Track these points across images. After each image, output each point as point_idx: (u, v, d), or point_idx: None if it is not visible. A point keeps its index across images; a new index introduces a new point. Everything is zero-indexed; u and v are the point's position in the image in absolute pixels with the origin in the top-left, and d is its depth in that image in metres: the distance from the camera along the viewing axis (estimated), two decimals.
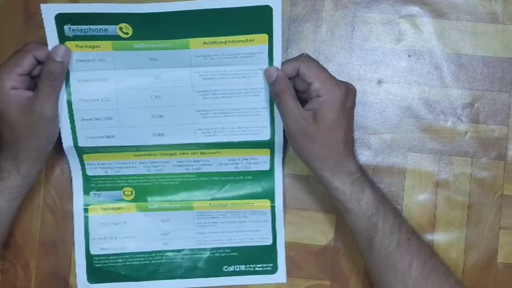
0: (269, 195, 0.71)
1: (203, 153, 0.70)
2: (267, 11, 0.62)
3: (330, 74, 0.64)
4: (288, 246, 0.73)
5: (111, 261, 0.72)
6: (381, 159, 0.73)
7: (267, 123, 0.68)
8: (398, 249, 0.63)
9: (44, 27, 0.62)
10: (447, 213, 0.72)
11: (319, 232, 0.73)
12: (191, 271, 0.72)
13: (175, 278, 0.73)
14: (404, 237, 0.63)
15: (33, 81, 0.65)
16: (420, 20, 0.73)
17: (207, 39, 0.64)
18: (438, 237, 0.72)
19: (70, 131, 0.67)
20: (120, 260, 0.72)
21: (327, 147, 0.64)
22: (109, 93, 0.66)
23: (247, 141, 0.68)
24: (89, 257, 0.72)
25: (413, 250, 0.63)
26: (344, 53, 0.73)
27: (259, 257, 0.72)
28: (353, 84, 0.65)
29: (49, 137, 0.67)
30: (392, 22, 0.73)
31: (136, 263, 0.72)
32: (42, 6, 0.61)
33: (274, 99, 0.65)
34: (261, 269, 0.72)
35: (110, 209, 0.72)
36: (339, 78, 0.70)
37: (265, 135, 0.69)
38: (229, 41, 0.64)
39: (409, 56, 0.73)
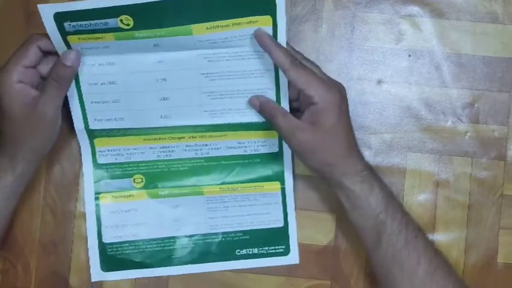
0: (279, 177, 0.72)
1: (211, 136, 0.70)
2: None
3: (319, 77, 0.63)
4: None
5: (124, 248, 0.72)
6: (381, 159, 0.73)
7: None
8: (405, 247, 0.63)
9: (44, 26, 0.62)
10: (447, 213, 0.72)
11: (319, 232, 0.73)
12: (204, 256, 0.73)
13: (188, 263, 0.73)
14: (412, 235, 0.63)
15: (41, 81, 0.65)
16: (420, 20, 0.73)
17: (210, 24, 0.63)
18: (439, 237, 0.72)
19: (81, 114, 0.68)
20: (133, 247, 0.72)
21: (333, 153, 0.64)
22: (115, 77, 0.66)
23: (254, 122, 0.69)
24: (102, 246, 0.72)
25: (420, 248, 0.63)
26: (344, 52, 0.73)
27: (271, 239, 0.73)
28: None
29: (47, 139, 0.66)
30: (392, 22, 0.73)
31: (148, 249, 0.73)
32: (40, 6, 0.61)
33: (269, 122, 0.66)
34: (274, 251, 0.73)
35: (121, 196, 0.72)
36: (339, 78, 0.70)
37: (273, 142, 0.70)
38: (232, 24, 0.63)
39: (409, 56, 0.73)
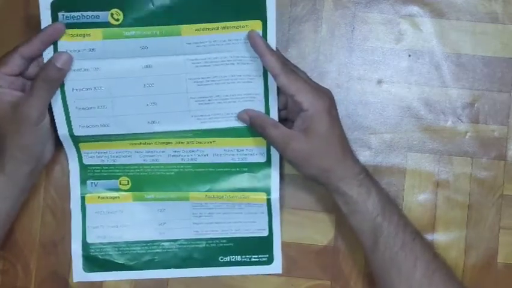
0: (265, 188, 0.71)
1: (199, 142, 0.69)
2: None
3: (308, 82, 0.64)
4: (288, 246, 0.73)
5: (107, 250, 0.72)
6: (381, 159, 0.73)
7: (262, 109, 0.67)
8: (402, 250, 0.63)
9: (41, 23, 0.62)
10: (447, 213, 0.72)
11: (319, 232, 0.73)
12: (187, 261, 0.73)
13: (170, 267, 0.73)
14: (409, 238, 0.63)
15: (28, 84, 0.65)
16: (420, 20, 0.73)
17: (199, 25, 0.63)
18: (439, 237, 0.72)
19: (65, 120, 0.67)
20: (116, 249, 0.72)
21: (329, 159, 0.64)
22: (101, 83, 0.66)
23: (242, 127, 0.68)
24: (86, 246, 0.72)
25: (417, 250, 0.63)
26: (344, 53, 0.73)
27: (255, 248, 0.72)
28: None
29: (35, 139, 0.65)
30: (392, 22, 0.73)
31: (132, 252, 0.72)
32: None
33: (261, 135, 0.66)
34: (257, 259, 0.72)
35: (107, 198, 0.72)
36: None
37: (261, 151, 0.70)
38: (221, 27, 0.63)
39: (409, 55, 0.73)
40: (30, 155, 0.66)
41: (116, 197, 0.72)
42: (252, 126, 0.66)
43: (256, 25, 0.63)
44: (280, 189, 0.72)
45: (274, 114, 0.67)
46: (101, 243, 0.72)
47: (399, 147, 0.73)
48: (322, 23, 0.73)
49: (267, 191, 0.71)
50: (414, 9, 0.73)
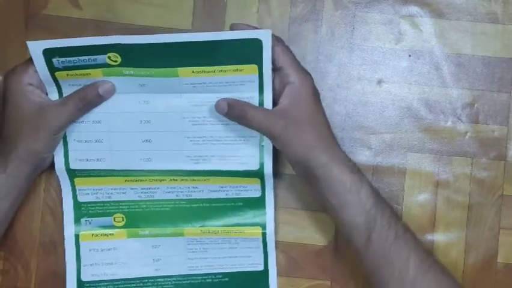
0: (260, 222, 0.71)
1: (193, 180, 0.69)
2: (256, 43, 0.62)
3: (297, 60, 0.64)
4: (288, 246, 0.73)
5: (102, 287, 0.72)
6: (381, 159, 0.73)
7: (256, 153, 0.67)
8: (395, 245, 0.61)
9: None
10: (447, 213, 0.72)
11: (319, 232, 0.73)
12: None
13: None
14: (401, 231, 0.62)
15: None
16: (420, 20, 0.73)
17: (196, 68, 0.63)
18: (438, 238, 0.72)
19: (63, 152, 0.68)
20: (111, 287, 0.72)
21: (316, 134, 0.62)
22: (100, 116, 0.66)
23: (236, 170, 0.68)
24: (81, 284, 0.72)
25: (411, 244, 0.62)
26: (344, 53, 0.73)
27: (251, 283, 0.72)
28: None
29: (45, 145, 0.66)
30: (392, 22, 0.73)
31: None
32: (29, 43, 0.61)
33: (240, 123, 0.64)
34: None
35: (101, 235, 0.71)
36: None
37: (254, 165, 0.68)
38: (218, 71, 0.63)
39: (409, 56, 0.73)
40: (35, 159, 0.66)
41: (110, 234, 0.71)
42: (230, 113, 0.64)
43: (252, 69, 0.63)
44: (280, 189, 0.72)
45: (268, 159, 0.67)
46: (95, 281, 0.72)
47: (399, 147, 0.73)
48: (322, 23, 0.73)
49: (262, 226, 0.71)
50: (414, 9, 0.73)
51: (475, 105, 0.73)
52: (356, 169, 0.63)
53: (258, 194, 0.70)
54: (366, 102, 0.73)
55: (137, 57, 0.62)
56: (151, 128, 0.66)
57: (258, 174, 0.68)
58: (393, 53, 0.73)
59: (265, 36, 0.62)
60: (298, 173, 0.65)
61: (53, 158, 0.68)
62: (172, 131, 0.66)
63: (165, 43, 0.61)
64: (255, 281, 0.72)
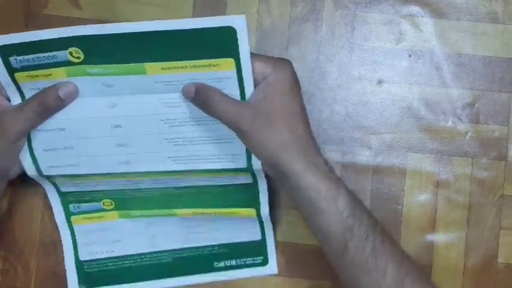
0: (254, 204, 0.68)
1: (180, 174, 0.65)
2: (230, 33, 0.54)
3: (267, 55, 0.58)
4: (288, 246, 0.73)
5: (101, 265, 0.71)
6: (381, 160, 0.73)
7: (242, 151, 0.61)
8: (373, 254, 0.56)
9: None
10: (447, 213, 0.72)
11: None
12: (181, 269, 0.72)
13: (165, 277, 0.72)
14: (378, 240, 0.57)
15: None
16: (420, 20, 0.73)
17: (165, 64, 0.56)
18: (439, 238, 0.72)
19: (31, 161, 0.63)
20: (110, 263, 0.71)
21: (288, 127, 0.55)
22: (64, 124, 0.60)
23: (223, 168, 0.63)
24: (79, 264, 0.71)
25: (388, 253, 0.57)
26: (344, 53, 0.73)
27: (249, 251, 0.72)
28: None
29: (4, 155, 0.61)
30: (392, 22, 0.73)
31: (126, 265, 0.72)
32: None
33: (206, 111, 0.58)
34: (252, 262, 0.72)
35: (93, 217, 0.70)
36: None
37: (242, 163, 0.63)
38: (190, 66, 0.56)
39: (409, 56, 0.73)
40: None
41: (101, 216, 0.70)
42: (197, 101, 0.58)
43: (228, 64, 0.56)
44: (279, 189, 0.72)
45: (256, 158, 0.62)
46: (93, 260, 0.71)
47: (400, 147, 0.73)
48: (322, 23, 0.73)
49: (257, 208, 0.69)
50: (414, 9, 0.73)
51: (476, 105, 0.72)
52: (332, 174, 0.57)
53: (249, 181, 0.66)
54: (366, 102, 0.73)
55: (100, 52, 0.56)
56: (124, 132, 0.61)
57: (248, 170, 0.64)
58: (394, 53, 0.73)
59: (239, 24, 0.54)
60: (270, 174, 0.60)
61: (19, 171, 0.64)
62: (148, 134, 0.61)
63: (128, 34, 0.54)
64: (253, 249, 0.71)
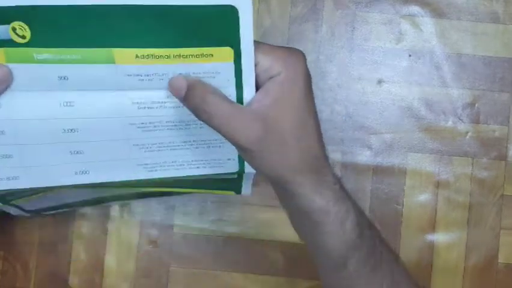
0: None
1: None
2: (230, 14, 0.41)
3: (274, 45, 0.44)
4: (288, 246, 0.73)
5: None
6: (381, 160, 0.73)
7: (234, 155, 0.50)
8: (371, 273, 0.50)
9: None
10: (448, 213, 0.72)
11: None
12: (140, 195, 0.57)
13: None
14: (378, 257, 0.50)
15: None
16: (420, 20, 0.73)
17: (141, 50, 0.42)
18: (439, 238, 0.72)
19: None
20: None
21: (303, 149, 0.44)
22: (2, 125, 0.45)
23: (210, 174, 0.51)
24: None
25: (386, 272, 0.51)
26: (344, 52, 0.73)
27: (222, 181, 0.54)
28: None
29: None
30: (392, 22, 0.73)
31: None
32: None
33: (198, 117, 0.43)
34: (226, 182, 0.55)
35: None
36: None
37: (232, 167, 0.50)
38: (174, 56, 0.42)
39: (409, 55, 0.73)
40: None
41: None
42: (188, 102, 0.44)
43: (225, 54, 0.43)
44: None
45: None
46: None
47: (400, 147, 0.73)
48: (322, 23, 0.73)
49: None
50: (414, 9, 0.73)
51: (476, 105, 0.72)
52: (342, 191, 0.48)
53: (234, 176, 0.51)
54: (366, 102, 0.73)
55: (53, 31, 0.41)
56: (80, 138, 0.46)
57: (239, 173, 0.52)
58: (394, 53, 0.73)
59: (242, 2, 0.41)
60: (272, 186, 0.49)
61: None
62: (112, 139, 0.47)
63: (92, 7, 0.40)
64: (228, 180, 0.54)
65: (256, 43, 0.43)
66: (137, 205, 0.74)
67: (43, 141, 0.46)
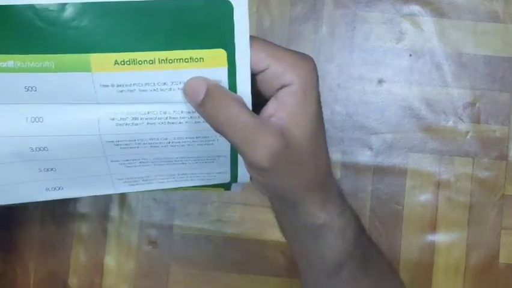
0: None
1: None
2: (224, 10, 0.37)
3: (284, 48, 0.38)
4: (288, 246, 0.73)
5: None
6: (382, 159, 0.73)
7: (227, 169, 0.44)
8: (363, 280, 0.48)
9: None
10: (448, 213, 0.72)
11: None
12: None
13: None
14: (372, 265, 0.49)
15: None
16: (421, 19, 0.72)
17: (120, 55, 0.37)
18: (440, 238, 0.72)
19: None
20: None
21: (314, 166, 0.41)
22: None
23: (199, 185, 0.45)
24: None
25: (375, 280, 0.49)
26: (345, 52, 0.73)
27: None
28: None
29: None
30: (392, 21, 0.73)
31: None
32: None
33: (215, 127, 0.38)
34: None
35: None
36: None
37: (224, 179, 0.44)
38: (159, 60, 0.37)
39: (410, 55, 0.73)
40: None
41: None
42: (205, 110, 0.37)
43: (217, 57, 0.37)
44: None
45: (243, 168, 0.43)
46: None
47: (400, 147, 0.73)
48: (322, 22, 0.73)
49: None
50: (415, 8, 0.72)
51: (476, 105, 0.72)
52: (343, 205, 0.45)
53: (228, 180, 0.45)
54: (366, 102, 0.73)
55: (20, 34, 0.36)
56: (50, 156, 0.41)
57: (230, 184, 0.46)
58: (394, 53, 0.73)
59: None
60: (271, 202, 0.46)
61: None
62: (87, 157, 0.42)
63: (62, 6, 0.35)
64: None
65: (264, 43, 0.38)
66: (138, 205, 0.74)
67: (9, 160, 0.41)
